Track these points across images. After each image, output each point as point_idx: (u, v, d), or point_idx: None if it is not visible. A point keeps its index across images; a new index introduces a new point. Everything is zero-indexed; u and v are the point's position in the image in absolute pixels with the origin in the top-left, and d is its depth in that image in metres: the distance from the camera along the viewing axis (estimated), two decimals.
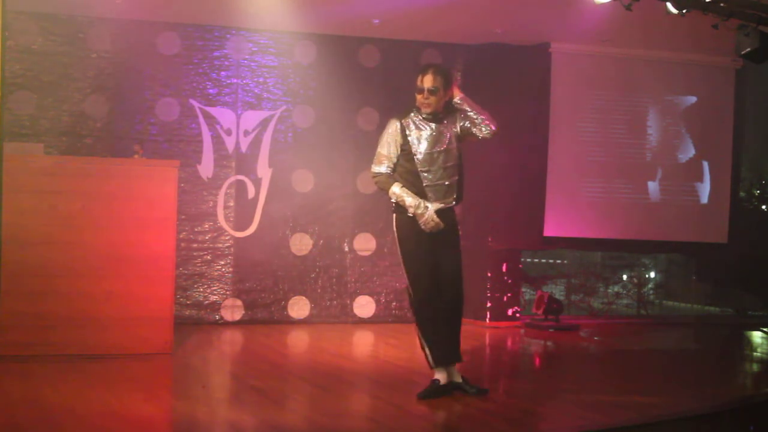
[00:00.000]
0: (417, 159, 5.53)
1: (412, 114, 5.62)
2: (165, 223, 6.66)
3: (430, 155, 5.53)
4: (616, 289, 10.66)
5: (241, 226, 8.49)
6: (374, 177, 5.64)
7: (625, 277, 10.82)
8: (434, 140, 5.55)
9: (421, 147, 5.53)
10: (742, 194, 10.54)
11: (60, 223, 6.42)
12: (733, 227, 9.53)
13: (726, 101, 9.49)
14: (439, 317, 5.61)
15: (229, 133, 8.46)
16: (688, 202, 9.46)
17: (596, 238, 9.30)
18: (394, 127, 5.59)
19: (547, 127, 8.93)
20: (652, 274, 11.08)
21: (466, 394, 5.58)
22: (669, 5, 6.41)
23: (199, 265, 8.37)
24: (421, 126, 5.57)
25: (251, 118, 8.52)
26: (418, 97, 5.59)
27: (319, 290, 8.71)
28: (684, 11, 6.41)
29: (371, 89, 8.79)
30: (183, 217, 8.10)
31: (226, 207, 8.46)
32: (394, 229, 5.66)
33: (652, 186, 9.33)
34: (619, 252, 10.22)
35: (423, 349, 5.64)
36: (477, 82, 9.02)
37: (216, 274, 8.42)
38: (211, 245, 8.41)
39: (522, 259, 9.35)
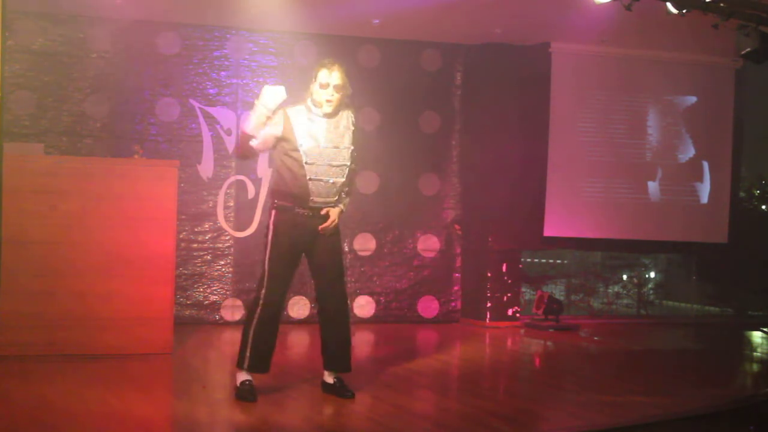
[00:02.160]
0: (301, 150, 5.26)
1: (303, 106, 5.36)
2: (165, 223, 6.66)
3: (316, 149, 5.28)
4: (616, 289, 10.65)
5: (241, 226, 8.49)
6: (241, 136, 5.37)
7: (625, 277, 10.81)
8: (323, 134, 5.31)
9: (307, 139, 5.28)
10: (742, 194, 10.54)
11: (60, 223, 6.42)
12: (733, 227, 9.54)
13: (726, 101, 9.49)
14: (326, 322, 5.48)
15: (229, 133, 8.46)
16: (688, 202, 9.46)
17: (596, 238, 9.30)
18: (280, 112, 5.32)
19: (547, 127, 8.93)
20: (652, 274, 11.07)
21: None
22: (669, 5, 6.42)
23: (199, 265, 8.37)
24: (309, 117, 5.32)
25: None
26: (321, 92, 5.29)
27: None
28: (684, 11, 6.41)
29: (371, 89, 8.78)
30: (183, 217, 8.10)
31: (226, 207, 8.46)
32: (270, 225, 5.37)
33: (652, 186, 9.33)
34: (619, 252, 10.21)
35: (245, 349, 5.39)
36: (477, 82, 9.04)
37: (216, 274, 8.42)
38: (211, 245, 8.41)
39: (522, 259, 9.34)
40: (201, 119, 8.38)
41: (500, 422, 5.08)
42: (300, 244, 5.39)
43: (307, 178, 5.27)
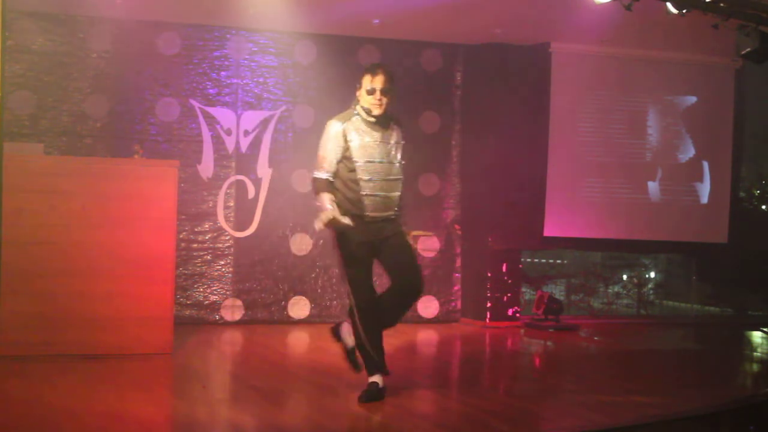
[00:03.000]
0: (357, 166, 5.30)
1: (354, 118, 5.37)
2: (165, 223, 6.66)
3: (371, 164, 5.32)
4: (616, 289, 10.65)
5: (241, 226, 8.49)
6: (314, 182, 5.35)
7: (625, 277, 10.81)
8: (377, 149, 5.34)
9: (363, 155, 5.31)
10: (742, 194, 10.54)
11: (60, 223, 6.42)
12: (733, 227, 9.54)
13: (726, 101, 9.49)
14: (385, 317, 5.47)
15: (229, 133, 8.46)
16: (688, 202, 9.46)
17: (596, 238, 9.30)
18: (335, 129, 5.33)
19: (547, 126, 8.93)
20: (652, 274, 11.07)
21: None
22: (669, 5, 6.42)
23: (199, 265, 8.36)
24: (364, 131, 5.34)
25: (251, 118, 8.52)
26: (368, 98, 5.32)
27: (319, 290, 8.70)
28: (684, 11, 6.41)
29: None
30: (183, 217, 8.10)
31: (226, 207, 8.45)
32: (335, 235, 5.38)
33: (652, 186, 9.33)
34: (619, 252, 10.22)
35: (359, 353, 5.46)
36: (477, 82, 9.04)
37: (216, 274, 8.41)
38: (211, 245, 8.41)
39: (522, 259, 9.34)
40: (201, 119, 8.38)
41: (500, 422, 5.08)
42: (366, 247, 5.37)
43: (363, 193, 5.32)
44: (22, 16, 7.79)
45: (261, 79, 8.56)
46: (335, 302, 8.73)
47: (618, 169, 9.20)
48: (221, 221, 8.44)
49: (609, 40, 8.64)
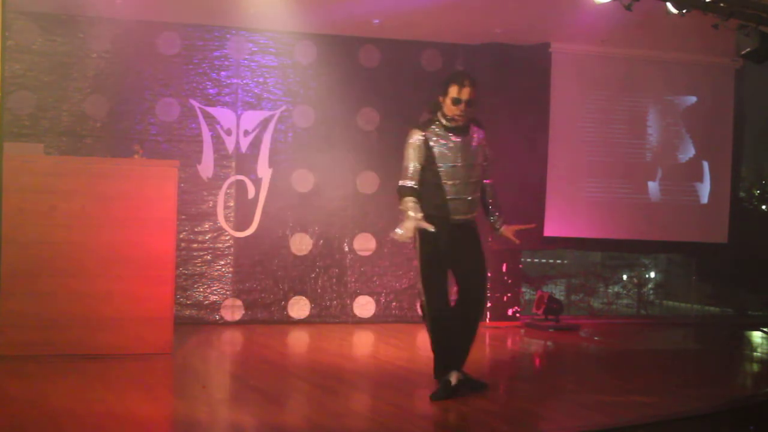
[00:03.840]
0: (440, 171, 5.47)
1: (434, 126, 5.53)
2: (165, 223, 6.66)
3: (453, 168, 5.48)
4: (616, 289, 10.65)
5: (241, 226, 8.49)
6: (399, 191, 5.50)
7: (625, 277, 10.81)
8: (459, 153, 5.50)
9: (445, 160, 5.48)
10: (742, 194, 10.54)
11: (60, 223, 6.42)
12: (733, 227, 9.53)
13: (726, 101, 9.49)
14: (455, 325, 5.57)
15: (229, 133, 8.46)
16: (688, 202, 9.46)
17: (596, 238, 9.30)
18: (417, 138, 5.50)
19: (547, 126, 8.92)
20: (652, 274, 11.07)
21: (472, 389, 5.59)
22: (669, 5, 6.42)
23: (199, 265, 8.36)
24: (445, 137, 5.50)
25: (251, 118, 8.52)
26: (453, 108, 5.47)
27: (319, 290, 8.70)
28: (684, 11, 6.41)
29: (371, 89, 8.79)
30: (183, 217, 8.10)
31: (226, 207, 8.45)
32: (416, 235, 5.51)
33: (652, 186, 9.33)
34: (619, 252, 10.21)
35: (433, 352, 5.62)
36: (477, 82, 9.03)
37: (216, 274, 8.41)
38: (211, 245, 8.41)
39: (522, 259, 9.34)
40: (201, 119, 8.38)
41: (500, 422, 5.08)
42: (444, 249, 5.50)
43: (449, 197, 5.47)
44: (22, 16, 7.79)
45: (261, 79, 8.56)
46: (335, 302, 8.73)
47: (618, 169, 9.20)
48: (221, 221, 8.44)
49: (609, 40, 8.64)
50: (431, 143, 5.47)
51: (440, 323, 5.51)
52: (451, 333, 5.54)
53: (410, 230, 5.33)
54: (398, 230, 5.37)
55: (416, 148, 5.47)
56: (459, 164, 5.49)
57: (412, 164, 5.47)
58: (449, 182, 5.47)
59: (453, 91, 5.48)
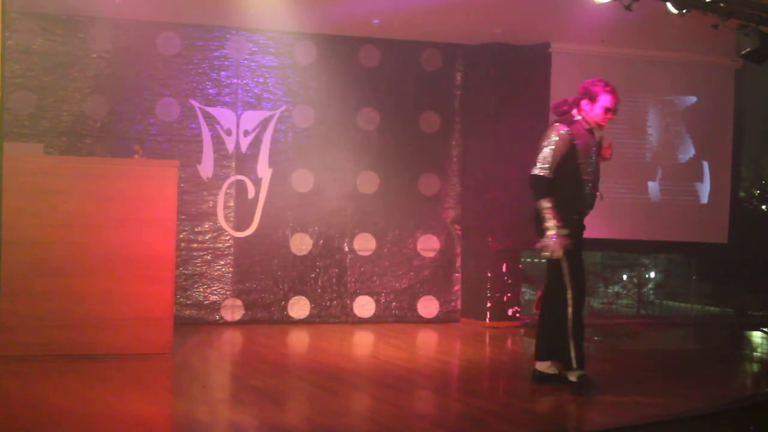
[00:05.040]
0: (581, 165, 5.68)
1: (575, 123, 5.76)
2: (165, 223, 6.66)
3: (590, 164, 5.73)
4: (616, 289, 10.64)
5: (241, 226, 8.49)
6: (534, 179, 5.67)
7: (625, 277, 10.81)
8: (593, 150, 5.78)
9: (586, 156, 5.71)
10: (742, 194, 10.54)
11: (60, 223, 6.42)
12: (733, 227, 9.54)
13: (726, 101, 9.49)
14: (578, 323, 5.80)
15: (229, 133, 8.46)
16: (688, 202, 9.46)
17: (596, 238, 9.27)
18: (562, 134, 5.68)
19: (547, 126, 8.91)
20: (652, 274, 11.07)
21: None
22: (669, 5, 6.42)
23: (199, 265, 8.37)
24: (584, 135, 5.74)
25: (251, 118, 8.53)
26: (605, 115, 5.74)
27: (319, 290, 8.71)
28: (684, 11, 6.41)
29: (371, 89, 8.80)
30: (183, 217, 8.10)
31: (226, 207, 8.46)
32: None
33: (652, 186, 9.33)
34: (619, 252, 10.21)
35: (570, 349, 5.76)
36: (477, 82, 9.04)
37: (216, 274, 8.42)
38: (211, 245, 8.41)
39: (522, 259, 9.34)
40: (201, 119, 8.38)
41: (500, 422, 5.08)
42: (578, 243, 5.78)
43: (587, 191, 5.74)
44: (22, 16, 7.79)
45: (261, 79, 8.56)
46: (335, 302, 8.74)
47: (618, 169, 9.18)
48: (221, 221, 8.44)
49: (609, 40, 8.64)
50: (575, 140, 5.68)
51: (580, 310, 5.73)
52: (583, 326, 5.78)
53: (560, 252, 5.60)
54: (546, 251, 5.64)
55: (560, 142, 5.67)
56: (593, 160, 5.75)
57: (553, 156, 5.66)
58: (587, 177, 5.72)
59: (607, 100, 5.72)
